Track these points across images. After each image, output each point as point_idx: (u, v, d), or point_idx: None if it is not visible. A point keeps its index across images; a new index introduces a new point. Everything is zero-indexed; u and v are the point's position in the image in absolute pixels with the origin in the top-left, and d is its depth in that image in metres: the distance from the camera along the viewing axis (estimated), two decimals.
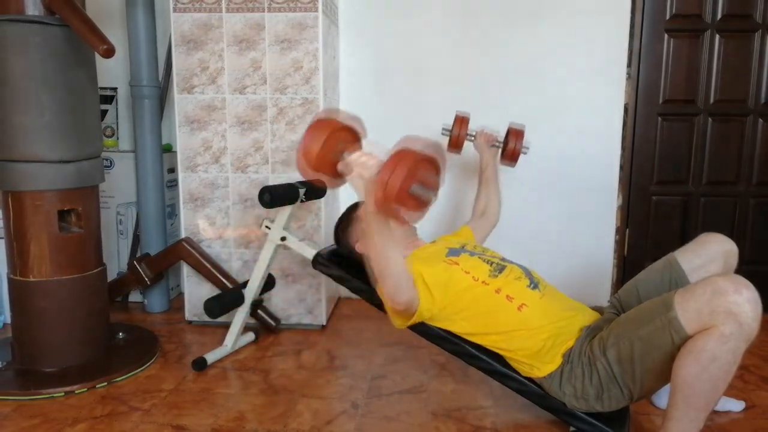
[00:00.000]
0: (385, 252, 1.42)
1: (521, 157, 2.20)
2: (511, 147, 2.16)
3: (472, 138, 2.26)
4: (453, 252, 1.73)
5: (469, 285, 1.61)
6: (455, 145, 2.24)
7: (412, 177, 1.22)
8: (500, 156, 2.23)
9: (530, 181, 2.69)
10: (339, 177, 1.38)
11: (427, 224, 1.96)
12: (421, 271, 1.60)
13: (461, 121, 2.22)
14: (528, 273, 1.70)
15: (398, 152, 1.23)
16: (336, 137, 1.32)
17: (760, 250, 2.68)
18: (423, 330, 1.70)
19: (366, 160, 1.30)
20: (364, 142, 1.36)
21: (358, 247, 1.78)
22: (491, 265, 1.68)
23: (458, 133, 2.21)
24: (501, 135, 2.25)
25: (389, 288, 1.47)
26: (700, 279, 1.42)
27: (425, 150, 1.24)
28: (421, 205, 1.26)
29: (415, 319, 1.60)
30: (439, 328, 1.67)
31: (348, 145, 1.34)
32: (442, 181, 1.30)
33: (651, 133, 2.66)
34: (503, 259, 1.75)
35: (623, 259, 2.77)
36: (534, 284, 1.65)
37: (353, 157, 1.31)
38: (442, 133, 2.27)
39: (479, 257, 1.71)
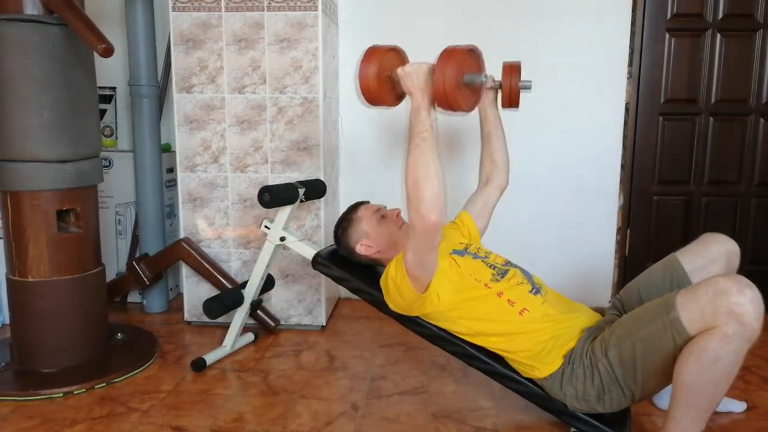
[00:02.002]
0: (426, 156, 1.38)
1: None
2: (507, 86, 1.82)
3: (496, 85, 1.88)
4: (456, 252, 1.72)
5: (472, 285, 1.61)
6: (510, 99, 1.84)
7: (462, 68, 1.45)
8: (499, 101, 1.90)
9: (531, 180, 2.68)
10: (395, 94, 1.59)
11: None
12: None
13: (511, 69, 1.82)
14: (530, 278, 1.69)
15: (445, 52, 1.44)
16: (387, 57, 1.55)
17: (762, 250, 2.67)
18: (423, 331, 1.69)
19: (418, 66, 1.46)
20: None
21: (359, 249, 1.77)
22: (494, 269, 1.67)
23: (510, 83, 1.82)
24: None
25: (428, 196, 1.35)
26: (702, 279, 1.41)
27: (465, 46, 1.48)
28: (474, 91, 1.53)
29: (422, 302, 1.56)
30: (440, 328, 1.66)
31: (397, 65, 1.55)
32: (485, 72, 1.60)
33: (652, 132, 2.66)
34: (506, 264, 1.73)
35: (624, 259, 2.76)
36: (536, 289, 1.64)
37: (407, 67, 1.47)
38: (490, 86, 1.88)
39: (482, 261, 1.70)
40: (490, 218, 1.95)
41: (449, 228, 1.94)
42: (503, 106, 1.88)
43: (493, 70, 2.59)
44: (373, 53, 1.54)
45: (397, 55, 1.60)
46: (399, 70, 1.48)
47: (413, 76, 1.44)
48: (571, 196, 2.69)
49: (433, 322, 1.66)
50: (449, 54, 1.44)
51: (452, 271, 1.62)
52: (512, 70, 1.84)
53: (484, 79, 1.53)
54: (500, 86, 1.87)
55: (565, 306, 1.66)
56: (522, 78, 1.84)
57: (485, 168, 1.96)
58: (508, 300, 1.59)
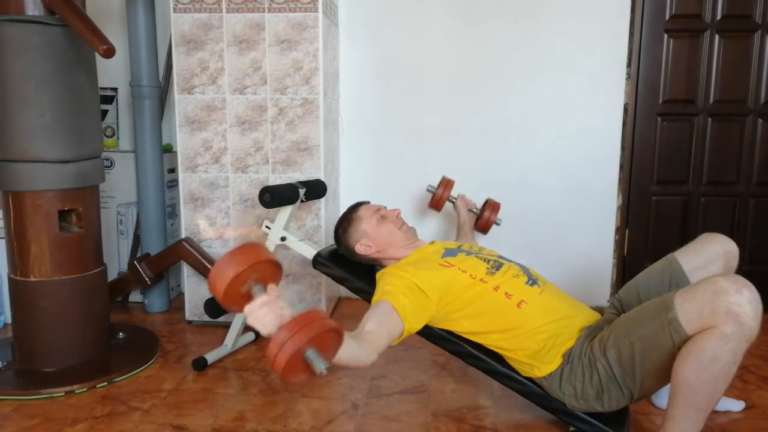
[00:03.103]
0: (344, 355, 1.30)
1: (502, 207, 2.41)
2: (485, 217, 2.37)
3: (453, 200, 2.40)
4: (450, 252, 1.73)
5: (468, 283, 1.61)
6: (436, 204, 2.42)
7: (312, 344, 1.14)
8: (474, 223, 2.40)
9: (530, 180, 2.69)
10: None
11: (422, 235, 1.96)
12: (415, 281, 1.58)
13: (446, 183, 2.41)
14: (526, 270, 1.70)
15: (305, 315, 1.16)
16: (251, 270, 1.22)
17: (761, 250, 2.68)
18: (423, 330, 1.69)
19: (264, 314, 1.18)
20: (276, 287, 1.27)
21: (359, 248, 1.78)
22: (488, 263, 1.68)
23: (441, 194, 2.40)
24: (479, 203, 2.42)
25: (352, 368, 1.41)
26: (701, 279, 1.42)
27: (330, 324, 1.17)
28: (310, 374, 1.17)
29: (405, 335, 1.58)
30: (440, 329, 1.67)
31: (260, 281, 1.25)
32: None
33: (651, 133, 2.67)
34: (500, 257, 1.75)
35: (623, 259, 2.77)
36: (532, 281, 1.65)
37: (253, 306, 1.19)
38: (427, 190, 2.45)
39: (476, 256, 1.71)
40: None
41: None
42: (473, 227, 2.37)
43: (498, 69, 2.62)
44: (244, 253, 1.21)
45: (269, 270, 1.27)
46: (246, 308, 1.21)
47: (258, 325, 1.18)
48: (570, 196, 2.70)
49: (436, 326, 1.67)
50: (306, 321, 1.15)
51: (444, 275, 1.62)
52: (494, 207, 2.37)
53: (324, 370, 1.14)
54: (479, 214, 2.38)
55: (565, 302, 1.67)
56: (498, 216, 2.37)
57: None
58: (505, 293, 1.60)
